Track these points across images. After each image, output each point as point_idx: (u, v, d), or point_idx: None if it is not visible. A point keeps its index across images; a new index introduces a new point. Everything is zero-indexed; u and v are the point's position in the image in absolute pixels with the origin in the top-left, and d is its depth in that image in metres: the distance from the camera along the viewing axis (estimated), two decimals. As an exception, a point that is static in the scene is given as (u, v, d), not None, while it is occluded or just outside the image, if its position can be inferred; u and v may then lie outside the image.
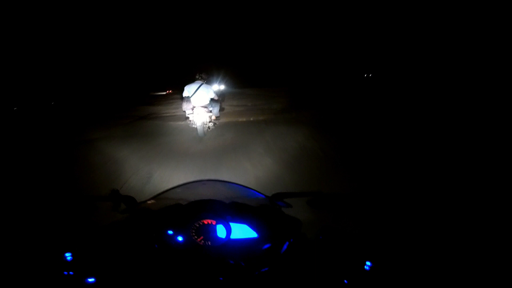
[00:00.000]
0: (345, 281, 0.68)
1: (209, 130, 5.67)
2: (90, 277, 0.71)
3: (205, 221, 0.79)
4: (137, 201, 0.91)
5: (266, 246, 0.78)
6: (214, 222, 0.79)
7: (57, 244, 0.77)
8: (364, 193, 2.74)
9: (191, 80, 5.37)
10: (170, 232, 0.79)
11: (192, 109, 5.19)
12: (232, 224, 0.79)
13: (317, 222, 0.83)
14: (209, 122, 5.50)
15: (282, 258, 0.75)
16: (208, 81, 5.48)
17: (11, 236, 0.83)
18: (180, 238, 0.78)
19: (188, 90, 5.28)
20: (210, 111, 5.33)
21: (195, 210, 0.84)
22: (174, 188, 0.98)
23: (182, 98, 5.37)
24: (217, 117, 5.74)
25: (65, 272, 0.71)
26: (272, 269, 0.73)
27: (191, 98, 5.23)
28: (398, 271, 0.69)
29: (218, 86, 16.45)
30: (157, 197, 0.96)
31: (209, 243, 0.77)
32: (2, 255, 0.74)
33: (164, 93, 22.24)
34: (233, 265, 0.74)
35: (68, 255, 0.74)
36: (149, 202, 0.94)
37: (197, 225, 0.79)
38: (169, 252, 0.77)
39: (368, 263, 0.70)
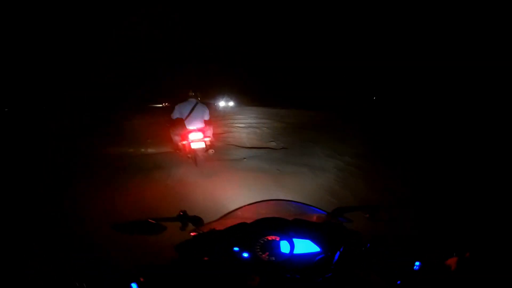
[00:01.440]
0: (398, 282, 0.74)
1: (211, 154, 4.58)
2: None
3: (270, 238, 0.85)
4: (204, 221, 0.99)
5: (319, 257, 0.84)
6: (278, 238, 0.85)
7: (123, 274, 0.77)
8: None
9: (182, 99, 4.45)
10: (236, 249, 0.84)
11: (187, 134, 4.25)
12: (295, 240, 0.85)
13: (375, 233, 0.92)
14: (207, 146, 4.41)
15: (335, 267, 0.80)
16: (202, 99, 4.66)
17: (75, 265, 0.86)
18: (245, 255, 0.83)
19: (179, 111, 4.35)
20: (208, 136, 4.42)
21: (259, 227, 0.90)
22: (238, 209, 1.06)
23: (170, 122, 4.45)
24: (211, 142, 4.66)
25: None
26: (326, 279, 0.78)
27: (185, 121, 4.33)
28: (447, 269, 0.75)
29: (225, 103, 16.15)
30: (223, 217, 1.03)
31: (274, 259, 0.82)
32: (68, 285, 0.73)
33: (161, 105, 22.91)
34: (289, 279, 0.79)
35: (134, 286, 0.74)
36: (215, 222, 1.01)
37: (262, 242, 0.85)
38: (236, 268, 0.82)
39: (417, 263, 0.77)
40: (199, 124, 4.43)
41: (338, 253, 0.82)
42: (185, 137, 4.32)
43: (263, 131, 8.34)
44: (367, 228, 0.98)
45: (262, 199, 1.12)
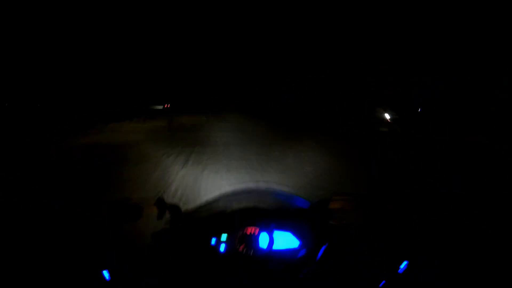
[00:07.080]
0: (382, 282, 0.69)
1: None
2: None
3: (248, 230, 0.81)
4: (182, 210, 0.95)
5: (302, 253, 0.80)
6: (257, 231, 0.81)
7: (94, 261, 0.78)
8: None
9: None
10: (213, 241, 0.81)
11: None
12: (275, 232, 0.81)
13: (361, 225, 0.88)
14: None
15: (317, 263, 0.77)
16: None
17: (47, 250, 0.83)
18: (222, 248, 0.80)
19: None
20: None
21: (238, 219, 0.86)
22: (219, 197, 1.02)
23: None
24: None
25: None
26: (308, 275, 0.75)
27: None
28: (435, 271, 0.72)
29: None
30: (202, 206, 1.00)
31: (251, 253, 0.78)
32: (37, 272, 0.72)
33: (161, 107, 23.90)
34: (271, 271, 0.77)
35: (105, 273, 0.73)
36: (193, 211, 0.97)
37: (240, 234, 0.81)
38: (212, 261, 0.79)
39: (404, 262, 0.72)
40: None
41: (322, 248, 0.79)
42: None
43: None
44: (353, 219, 0.93)
45: (244, 186, 1.09)
